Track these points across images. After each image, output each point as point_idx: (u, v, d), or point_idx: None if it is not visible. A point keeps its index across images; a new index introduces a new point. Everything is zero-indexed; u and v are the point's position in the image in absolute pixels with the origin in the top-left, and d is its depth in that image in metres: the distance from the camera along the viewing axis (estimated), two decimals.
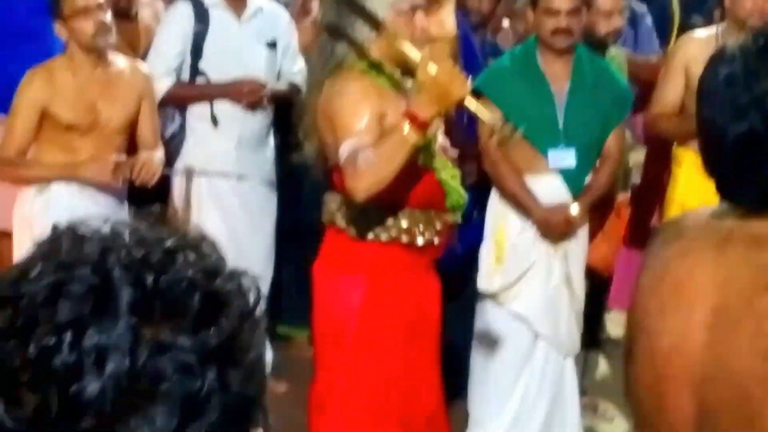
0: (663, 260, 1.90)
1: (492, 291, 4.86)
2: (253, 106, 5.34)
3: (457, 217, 3.83)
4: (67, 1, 4.52)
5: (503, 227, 4.82)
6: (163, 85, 5.26)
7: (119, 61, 4.78)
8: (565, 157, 4.75)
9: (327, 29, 3.76)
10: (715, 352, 1.78)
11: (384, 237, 3.72)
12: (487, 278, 4.87)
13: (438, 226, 3.76)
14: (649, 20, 6.26)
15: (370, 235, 3.72)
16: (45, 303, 0.94)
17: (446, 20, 3.78)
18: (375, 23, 3.58)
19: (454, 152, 3.89)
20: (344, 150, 3.48)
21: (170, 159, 5.40)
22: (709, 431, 1.79)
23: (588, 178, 4.86)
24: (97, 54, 4.60)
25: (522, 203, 4.76)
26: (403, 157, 3.39)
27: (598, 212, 5.15)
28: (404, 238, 3.72)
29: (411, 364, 3.86)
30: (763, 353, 1.73)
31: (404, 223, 3.71)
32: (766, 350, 1.73)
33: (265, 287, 5.51)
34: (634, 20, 5.81)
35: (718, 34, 4.95)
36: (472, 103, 3.48)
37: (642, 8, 6.29)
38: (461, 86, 3.37)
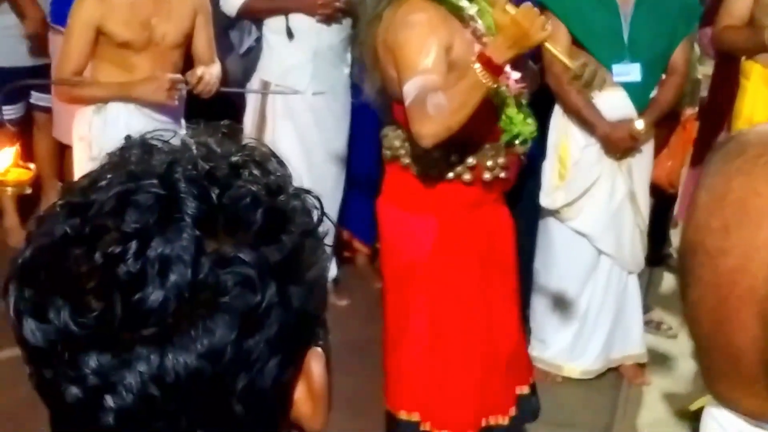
0: (724, 176, 1.83)
1: (555, 207, 4.82)
2: (328, 19, 5.29)
3: (525, 148, 3.72)
4: None
5: (566, 143, 4.75)
6: None
7: None
8: (630, 71, 4.65)
9: None
10: None
11: (450, 175, 3.64)
12: (549, 194, 4.83)
13: (505, 159, 3.66)
14: None
15: (436, 172, 3.64)
16: (112, 212, 0.96)
17: None
18: None
19: (516, 74, 3.78)
20: (410, 89, 3.36)
21: (246, 73, 5.40)
22: None
23: (654, 93, 4.76)
24: None
25: (586, 118, 4.68)
26: (475, 102, 3.26)
27: (664, 127, 5.06)
28: (469, 176, 3.63)
29: (488, 302, 3.82)
30: None
31: (470, 160, 3.63)
32: None
33: (335, 203, 5.54)
34: None
35: None
36: (551, 48, 3.38)
37: None
38: (540, 29, 3.22)
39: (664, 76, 4.80)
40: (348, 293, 5.79)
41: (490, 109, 3.53)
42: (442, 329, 3.78)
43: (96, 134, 4.55)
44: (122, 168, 1.00)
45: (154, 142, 1.04)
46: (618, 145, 4.70)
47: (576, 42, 4.58)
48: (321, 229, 1.07)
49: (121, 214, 0.95)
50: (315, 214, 1.07)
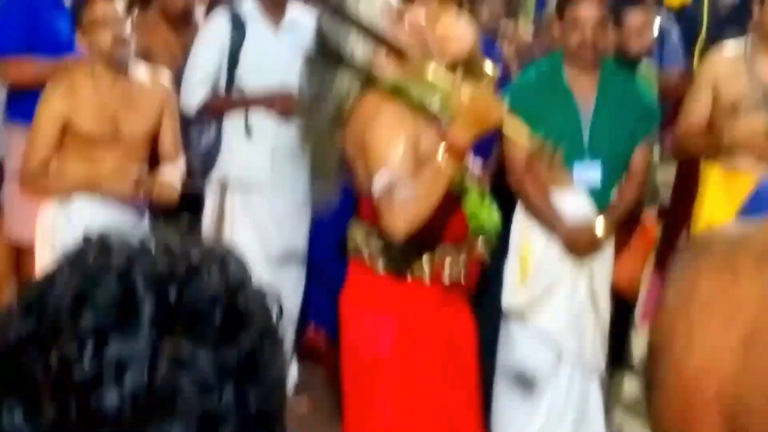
0: (691, 277, 1.82)
1: (516, 307, 4.81)
2: (286, 116, 5.33)
3: (488, 248, 3.73)
4: (86, 11, 4.52)
5: (528, 242, 4.76)
6: (198, 97, 5.32)
7: (140, 72, 4.77)
8: (591, 173, 4.70)
9: (331, 56, 3.62)
10: (751, 375, 1.71)
11: (411, 276, 3.63)
12: (511, 294, 4.82)
13: (467, 260, 3.67)
14: (675, 34, 6.21)
15: (399, 271, 3.64)
16: (69, 311, 0.95)
17: (454, 23, 3.71)
18: (391, 46, 3.47)
19: (477, 164, 3.81)
20: (379, 183, 3.38)
21: (205, 170, 5.41)
22: None
23: (614, 194, 4.80)
24: (117, 65, 4.58)
25: (547, 219, 4.70)
26: (442, 188, 3.31)
27: (625, 228, 5.09)
28: (433, 275, 3.63)
29: (450, 404, 3.77)
30: None
31: (432, 261, 3.63)
32: None
33: (296, 302, 5.51)
34: (660, 34, 5.75)
35: (746, 49, 4.89)
36: (509, 127, 3.43)
37: (669, 22, 6.24)
38: (497, 110, 3.31)
39: (624, 178, 4.84)
40: (310, 395, 5.73)
41: (451, 206, 3.53)
42: (403, 431, 3.73)
43: (60, 228, 4.55)
44: (80, 266, 0.99)
45: (113, 240, 1.03)
46: (579, 246, 4.72)
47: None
48: (280, 328, 1.06)
49: (78, 314, 0.94)
50: (274, 314, 1.06)
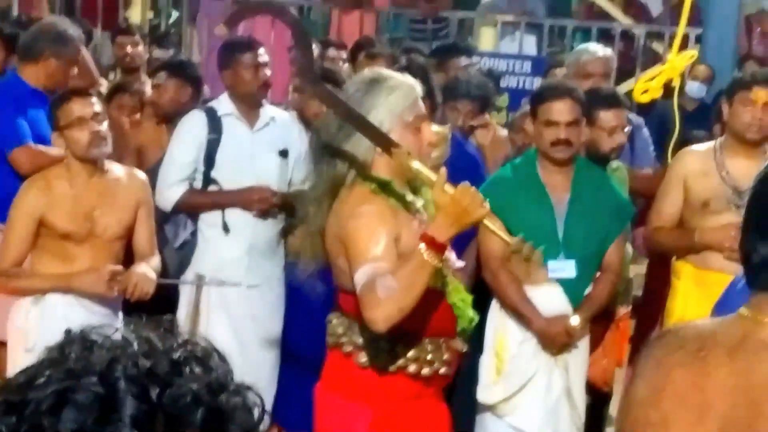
0: (663, 369, 1.85)
1: (492, 402, 4.80)
2: (263, 213, 5.36)
3: (463, 346, 3.76)
4: (63, 112, 4.56)
5: (503, 338, 4.77)
6: (175, 193, 5.34)
7: (116, 169, 4.80)
8: (565, 268, 4.73)
9: (325, 150, 3.69)
10: None
11: (392, 367, 3.64)
12: (486, 390, 4.82)
13: (446, 355, 3.69)
14: (645, 132, 6.31)
15: (378, 364, 3.64)
16: (50, 411, 0.94)
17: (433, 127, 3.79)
18: (386, 142, 3.52)
19: (459, 263, 3.85)
20: (361, 277, 3.39)
21: (181, 266, 5.41)
22: None
23: (588, 289, 4.83)
24: (93, 163, 4.61)
25: (522, 314, 4.73)
26: (424, 281, 3.32)
27: (599, 325, 5.11)
28: (412, 368, 3.64)
29: None
30: None
31: (412, 353, 3.64)
32: None
33: (270, 396, 5.48)
34: (630, 133, 5.83)
35: (716, 148, 4.98)
36: (490, 225, 3.47)
37: (639, 120, 6.33)
38: (480, 206, 3.35)
39: (598, 274, 4.88)
40: None
41: (432, 300, 3.55)
42: None
43: (33, 325, 4.52)
44: (61, 365, 0.98)
45: (95, 338, 1.02)
46: (554, 340, 4.73)
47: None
48: (262, 427, 1.05)
49: (59, 414, 0.93)
50: (256, 411, 1.05)
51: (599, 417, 5.81)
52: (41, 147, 5.23)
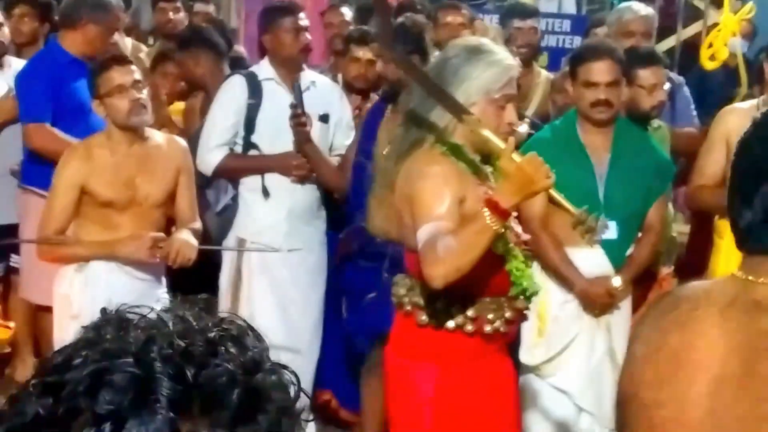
0: (659, 331, 1.87)
1: (534, 364, 4.81)
2: (302, 179, 5.37)
3: (527, 303, 3.80)
4: (103, 80, 4.57)
5: (545, 300, 4.76)
6: (215, 157, 5.37)
7: (156, 136, 4.82)
8: (607, 230, 4.70)
9: (409, 115, 3.76)
10: (717, 421, 1.74)
11: (452, 324, 3.69)
12: (528, 351, 4.82)
13: (507, 314, 3.73)
14: (686, 91, 6.25)
15: (439, 322, 3.70)
16: (86, 392, 0.94)
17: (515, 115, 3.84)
18: (461, 111, 3.56)
19: (526, 236, 3.90)
20: (423, 234, 3.44)
21: (222, 230, 5.44)
22: None
23: (630, 250, 4.81)
24: (134, 131, 4.62)
25: (564, 275, 4.72)
26: (484, 245, 3.35)
27: (641, 284, 5.10)
28: (470, 327, 3.69)
29: None
30: (766, 418, 1.70)
31: (472, 312, 3.68)
32: None
33: (313, 359, 5.53)
34: (671, 91, 5.79)
35: (759, 106, 4.93)
36: (556, 195, 3.52)
37: (679, 79, 6.28)
38: (545, 177, 3.37)
39: (640, 234, 4.86)
40: None
41: (493, 263, 3.60)
42: None
43: (77, 292, 4.56)
44: (97, 345, 0.98)
45: (131, 316, 1.02)
46: (596, 301, 4.73)
47: (552, 201, 4.66)
48: (298, 404, 1.05)
49: (95, 395, 0.93)
50: (292, 390, 1.05)
51: None
52: (56, 132, 5.30)
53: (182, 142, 4.97)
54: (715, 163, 4.97)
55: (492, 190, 3.56)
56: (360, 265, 5.27)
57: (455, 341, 3.70)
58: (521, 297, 3.75)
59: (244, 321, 1.07)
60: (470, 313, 3.68)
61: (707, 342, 1.78)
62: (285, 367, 1.06)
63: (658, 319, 1.88)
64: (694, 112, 6.23)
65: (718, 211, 5.02)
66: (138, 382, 0.94)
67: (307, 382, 5.59)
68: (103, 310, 1.05)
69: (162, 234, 4.67)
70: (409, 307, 3.75)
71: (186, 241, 4.66)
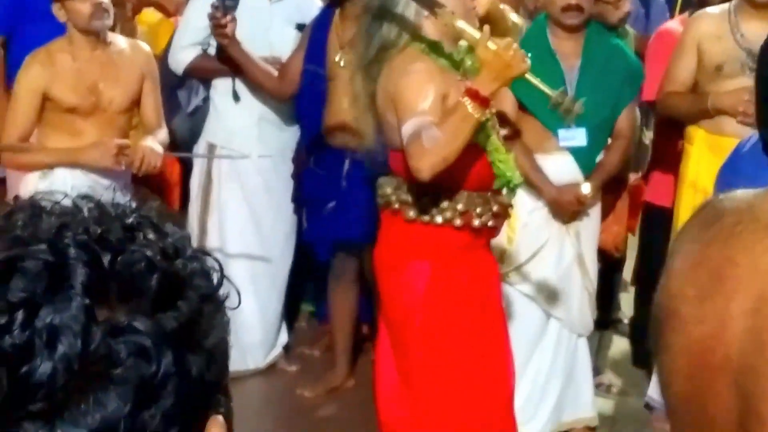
0: (700, 244, 1.82)
1: (503, 271, 4.81)
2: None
3: (512, 198, 3.89)
4: None
5: (514, 207, 4.76)
6: (187, 56, 5.31)
7: (119, 41, 4.74)
8: (576, 136, 4.69)
9: (372, 11, 3.76)
10: (758, 341, 1.71)
11: (440, 219, 3.76)
12: (498, 258, 4.82)
13: (494, 208, 3.80)
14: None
15: (427, 217, 3.77)
16: None
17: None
18: (433, 5, 3.60)
19: (503, 131, 3.99)
20: (408, 129, 3.52)
21: (193, 133, 5.40)
22: (750, 423, 1.73)
23: (599, 157, 4.80)
24: (96, 35, 4.54)
25: (533, 182, 4.70)
26: (468, 133, 3.45)
27: (610, 191, 5.10)
28: (459, 221, 3.76)
29: (483, 341, 3.89)
30: None
31: (460, 206, 3.75)
32: None
33: (285, 265, 5.53)
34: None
35: (730, 10, 4.86)
36: (532, 78, 3.56)
37: None
38: (522, 62, 3.47)
39: (609, 141, 4.84)
40: (297, 359, 5.76)
41: (477, 156, 3.68)
42: (445, 373, 3.83)
43: None
44: (8, 233, 0.95)
45: (44, 204, 0.99)
46: (565, 208, 4.72)
47: (522, 107, 4.62)
48: (222, 292, 1.03)
49: (7, 282, 0.90)
50: (215, 277, 1.02)
51: (612, 282, 5.85)
52: None
53: (146, 47, 4.90)
54: (685, 69, 4.93)
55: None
56: (317, 174, 5.24)
57: (444, 236, 3.77)
58: (506, 190, 3.82)
59: (164, 207, 1.04)
60: (459, 207, 3.75)
61: (750, 260, 1.74)
62: (208, 253, 1.03)
63: (699, 233, 1.83)
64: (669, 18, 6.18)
65: (688, 117, 4.99)
66: (52, 268, 0.91)
67: (279, 288, 5.60)
68: (15, 198, 1.02)
69: (127, 140, 4.63)
70: (396, 205, 3.81)
71: (151, 147, 4.61)
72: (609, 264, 5.50)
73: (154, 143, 4.66)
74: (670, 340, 1.81)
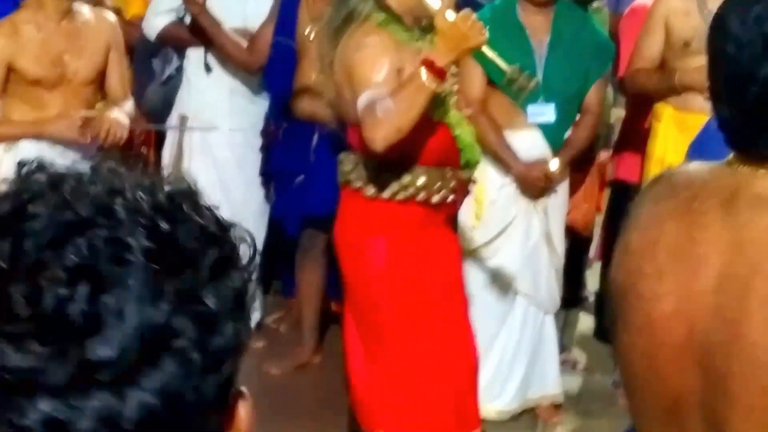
0: (656, 220, 1.81)
1: (471, 248, 4.81)
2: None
3: (471, 174, 3.90)
4: None
5: (482, 183, 4.75)
6: (161, 22, 5.26)
7: (85, 11, 4.67)
8: (545, 112, 4.69)
9: None
10: (722, 319, 1.70)
11: (400, 196, 3.76)
12: (466, 235, 4.82)
13: (453, 183, 3.80)
14: None
15: (387, 194, 3.76)
16: (53, 245, 0.87)
17: None
18: None
19: (468, 111, 3.98)
20: (362, 101, 3.51)
21: (166, 102, 5.36)
22: (716, 401, 1.72)
23: (568, 133, 4.79)
24: (61, 6, 4.48)
25: (501, 159, 4.70)
26: (422, 103, 3.43)
27: (579, 169, 5.09)
28: (420, 196, 3.76)
29: (444, 315, 3.90)
30: None
31: (420, 181, 3.75)
32: None
33: (258, 242, 5.49)
34: None
35: None
36: (489, 52, 3.55)
37: None
38: (479, 34, 3.45)
39: (578, 117, 4.83)
40: (263, 335, 5.75)
41: (434, 131, 3.68)
42: (407, 347, 3.84)
43: (6, 172, 4.42)
44: (54, 195, 0.91)
45: (84, 171, 0.95)
46: (533, 185, 4.72)
47: (491, 82, 4.60)
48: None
49: (63, 249, 0.87)
50: (249, 248, 1.01)
51: (580, 260, 5.86)
52: None
53: (112, 17, 4.85)
54: (654, 44, 4.92)
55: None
56: (285, 147, 5.22)
57: (404, 212, 3.77)
58: (466, 167, 3.83)
59: (190, 179, 1.01)
60: (419, 182, 3.74)
61: (709, 237, 1.73)
62: (235, 224, 1.01)
63: (654, 208, 1.82)
64: None
65: (656, 94, 4.99)
66: (112, 237, 0.88)
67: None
68: (39, 161, 0.96)
69: (93, 112, 4.58)
70: (357, 183, 3.80)
71: (117, 119, 4.57)
72: (576, 242, 5.51)
73: (120, 114, 4.62)
74: (629, 318, 1.80)
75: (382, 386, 3.90)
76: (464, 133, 3.80)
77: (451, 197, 3.82)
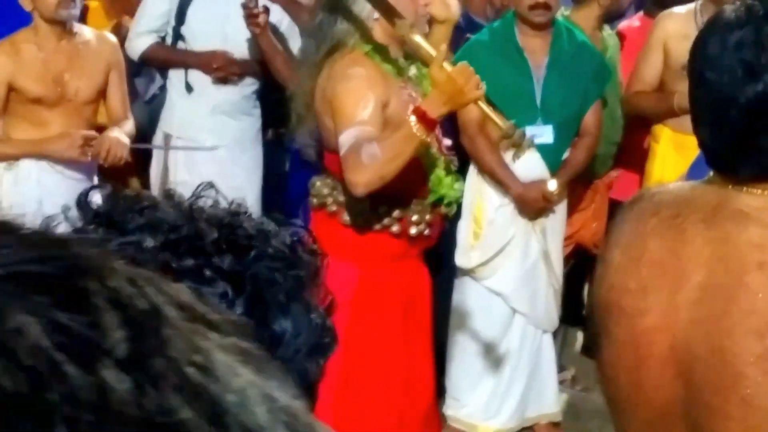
0: (639, 237, 1.84)
1: (469, 267, 4.83)
2: (222, 80, 5.29)
3: (450, 210, 3.83)
4: None
5: (481, 203, 4.78)
6: (143, 43, 5.27)
7: (86, 31, 4.71)
8: (543, 133, 4.70)
9: (326, 5, 3.69)
10: (703, 331, 1.73)
11: (377, 226, 3.71)
12: (464, 254, 4.84)
13: (428, 216, 3.75)
14: None
15: (363, 223, 3.70)
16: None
17: (451, 2, 3.75)
18: (389, 10, 3.49)
19: (448, 142, 3.91)
20: (346, 140, 3.41)
21: (152, 120, 5.39)
22: (698, 412, 1.74)
23: (566, 154, 4.82)
24: (62, 25, 4.52)
25: (500, 179, 4.71)
26: (409, 153, 3.34)
27: (577, 188, 5.11)
28: (396, 228, 3.71)
29: (408, 354, 3.86)
30: (756, 331, 1.69)
31: (397, 213, 3.70)
32: (759, 328, 1.68)
33: None
34: None
35: (697, 10, 4.90)
36: (485, 107, 3.45)
37: None
38: (475, 89, 3.33)
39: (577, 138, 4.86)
40: None
41: (419, 166, 3.61)
42: (360, 378, 3.81)
43: (6, 191, 4.49)
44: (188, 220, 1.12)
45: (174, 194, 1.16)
46: (531, 205, 4.73)
47: (488, 103, 4.62)
48: None
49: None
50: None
51: (582, 278, 5.87)
52: None
53: (112, 38, 4.88)
54: (652, 67, 4.96)
55: (416, 94, 3.53)
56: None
57: (379, 242, 3.73)
58: (443, 204, 3.78)
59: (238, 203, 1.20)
60: (395, 214, 3.69)
61: (692, 252, 1.76)
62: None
63: (638, 225, 1.84)
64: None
65: (654, 116, 5.03)
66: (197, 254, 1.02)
67: None
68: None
69: (93, 132, 4.61)
70: (333, 208, 3.75)
71: (117, 139, 4.59)
72: (580, 261, 5.52)
73: (121, 134, 4.64)
74: (612, 334, 1.83)
75: (320, 413, 3.87)
76: (439, 173, 3.74)
77: (427, 231, 3.78)
